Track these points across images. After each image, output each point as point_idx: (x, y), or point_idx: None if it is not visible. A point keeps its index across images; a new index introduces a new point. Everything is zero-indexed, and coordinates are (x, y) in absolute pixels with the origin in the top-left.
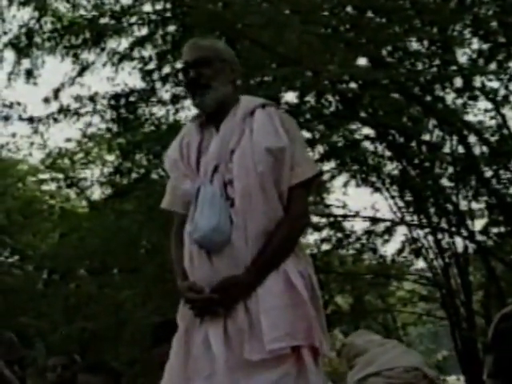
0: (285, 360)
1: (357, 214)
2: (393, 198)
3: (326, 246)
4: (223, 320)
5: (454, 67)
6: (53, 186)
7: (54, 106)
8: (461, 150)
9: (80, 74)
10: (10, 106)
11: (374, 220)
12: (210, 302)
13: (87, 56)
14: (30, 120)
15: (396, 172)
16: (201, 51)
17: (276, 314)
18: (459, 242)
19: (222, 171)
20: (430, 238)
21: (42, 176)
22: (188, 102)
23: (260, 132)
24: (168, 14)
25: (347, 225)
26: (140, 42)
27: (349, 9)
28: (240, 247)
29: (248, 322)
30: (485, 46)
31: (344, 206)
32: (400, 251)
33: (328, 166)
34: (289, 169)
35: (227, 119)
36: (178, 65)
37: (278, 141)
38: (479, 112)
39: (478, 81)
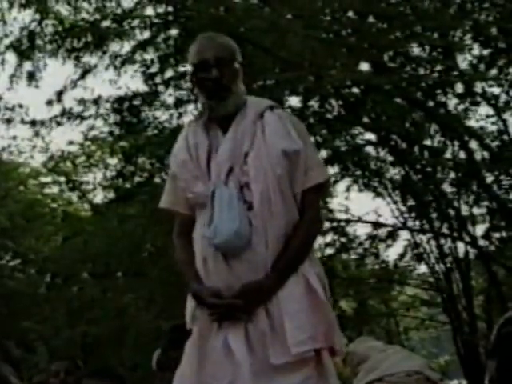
0: (307, 363)
1: (359, 219)
2: (395, 202)
3: (329, 251)
4: (244, 324)
5: (455, 73)
6: (55, 190)
7: (56, 109)
8: (462, 155)
9: (82, 77)
10: (12, 108)
11: (377, 225)
12: (232, 308)
13: (89, 59)
14: (32, 123)
15: (398, 177)
16: (221, 50)
17: (299, 317)
18: (461, 247)
19: (236, 174)
20: (432, 242)
21: (44, 179)
22: (191, 107)
23: (274, 135)
24: (170, 18)
25: (350, 229)
26: (142, 46)
27: (350, 14)
28: (260, 251)
29: (270, 325)
30: (485, 52)
31: (347, 211)
32: (402, 256)
33: (331, 170)
34: (302, 171)
35: (236, 121)
36: (181, 68)
37: (292, 143)
38: (481, 118)
39: (479, 86)
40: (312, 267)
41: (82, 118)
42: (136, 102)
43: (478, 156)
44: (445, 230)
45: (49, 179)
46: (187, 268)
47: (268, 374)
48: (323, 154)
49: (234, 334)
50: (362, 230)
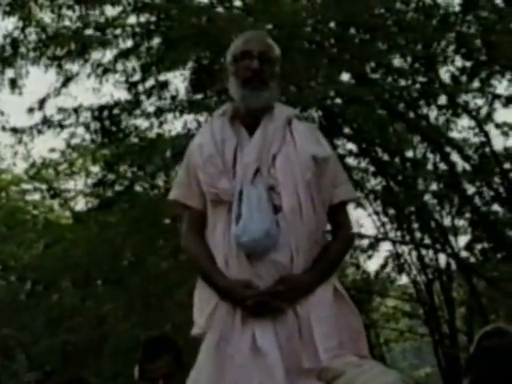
0: None
1: None
2: (376, 213)
3: None
4: (273, 324)
5: (437, 85)
6: (36, 197)
7: (37, 116)
8: (444, 166)
9: (64, 84)
10: None
11: (358, 236)
12: (274, 295)
13: (71, 67)
14: (14, 130)
15: (379, 188)
16: (266, 47)
17: (328, 323)
18: (442, 259)
19: (264, 175)
20: (414, 254)
21: (25, 186)
22: (171, 116)
23: (304, 141)
24: (152, 27)
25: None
26: (124, 54)
27: (332, 24)
28: (285, 254)
29: (298, 328)
30: (468, 64)
31: None
32: (383, 267)
33: None
34: (330, 181)
35: (263, 123)
36: (162, 77)
37: (322, 150)
38: (463, 129)
39: (461, 98)
40: (336, 276)
41: (63, 127)
42: (116, 111)
43: (459, 168)
44: (427, 241)
45: (30, 186)
46: (207, 264)
47: (296, 376)
48: None
49: (262, 335)
50: None
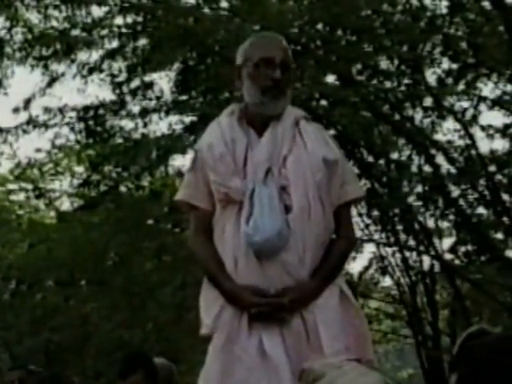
0: None
1: None
2: (360, 215)
3: None
4: (279, 328)
5: (423, 87)
6: (21, 197)
7: (23, 116)
8: (428, 169)
9: (49, 84)
10: None
11: None
12: (278, 307)
13: (57, 67)
14: None
15: (364, 189)
16: (286, 55)
17: (334, 326)
18: (426, 261)
19: (275, 175)
20: (397, 255)
21: (10, 186)
22: (156, 117)
23: (315, 143)
24: (139, 28)
25: None
26: (111, 55)
27: (319, 26)
28: (295, 254)
29: (305, 332)
30: (454, 66)
31: None
32: (367, 268)
33: None
34: (338, 183)
35: (272, 124)
36: (147, 78)
37: (332, 152)
38: (448, 131)
39: (447, 101)
40: (342, 277)
41: (48, 127)
42: (101, 111)
43: (444, 170)
44: (411, 243)
45: (15, 186)
46: (214, 266)
47: None
48: None
49: (269, 338)
50: None
